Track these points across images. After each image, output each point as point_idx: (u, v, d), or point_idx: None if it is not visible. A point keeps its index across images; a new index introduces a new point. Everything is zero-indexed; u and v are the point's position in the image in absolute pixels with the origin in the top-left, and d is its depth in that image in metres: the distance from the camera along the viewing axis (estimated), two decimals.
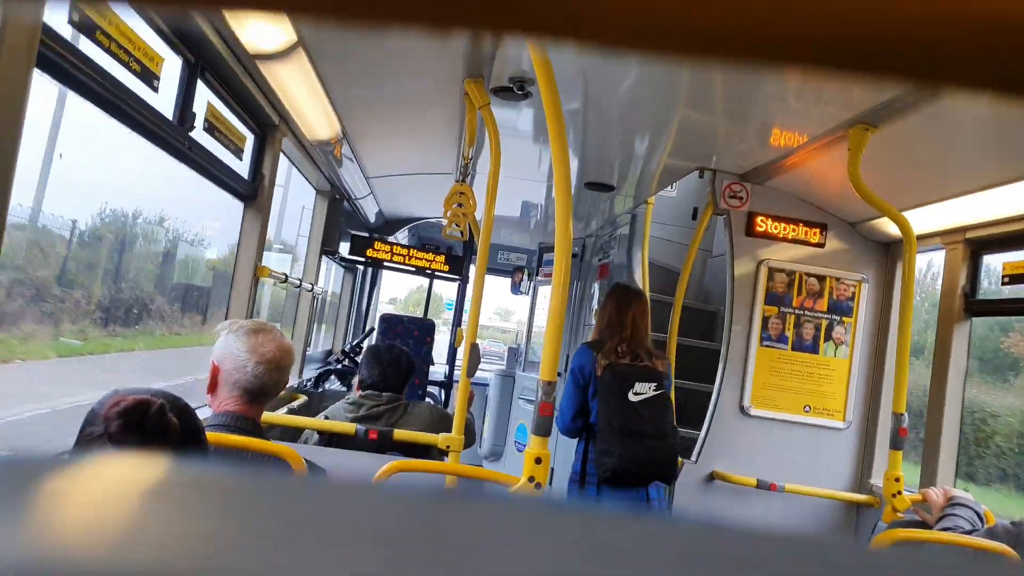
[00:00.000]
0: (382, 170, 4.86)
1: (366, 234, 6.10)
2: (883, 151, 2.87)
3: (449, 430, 3.00)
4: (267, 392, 1.98)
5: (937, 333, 3.39)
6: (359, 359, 5.87)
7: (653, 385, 3.36)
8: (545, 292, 7.75)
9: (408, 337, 5.77)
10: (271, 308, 6.67)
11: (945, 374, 3.29)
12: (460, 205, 3.92)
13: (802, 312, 3.85)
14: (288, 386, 4.41)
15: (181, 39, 2.34)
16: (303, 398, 4.49)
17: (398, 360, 3.28)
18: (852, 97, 2.64)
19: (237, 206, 3.34)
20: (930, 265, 4.19)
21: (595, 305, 6.19)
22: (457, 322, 6.94)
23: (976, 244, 3.29)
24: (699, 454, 3.80)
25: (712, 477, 3.76)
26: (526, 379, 7.22)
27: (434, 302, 8.76)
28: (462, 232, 4.54)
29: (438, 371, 6.95)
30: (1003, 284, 3.15)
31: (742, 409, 3.81)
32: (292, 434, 3.37)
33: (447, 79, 2.98)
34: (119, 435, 1.16)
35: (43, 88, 1.69)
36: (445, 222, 4.33)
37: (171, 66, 2.33)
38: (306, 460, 1.91)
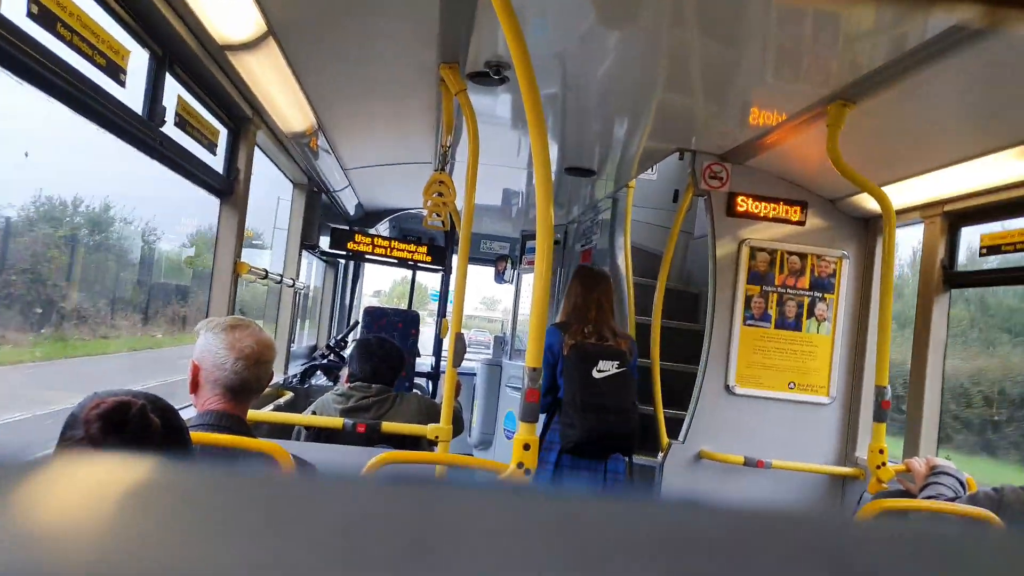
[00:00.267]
0: (360, 161, 4.82)
1: (346, 227, 6.05)
2: (861, 127, 2.88)
3: (437, 420, 2.99)
4: (249, 388, 1.95)
5: (917, 305, 3.42)
6: (344, 353, 5.85)
7: (616, 363, 3.58)
8: (529, 280, 7.75)
9: (393, 329, 5.74)
10: (249, 305, 6.57)
11: (926, 346, 3.32)
12: (440, 195, 3.90)
13: (784, 290, 3.87)
14: (274, 383, 4.39)
15: (147, 31, 2.28)
16: (289, 395, 4.46)
17: (389, 355, 3.28)
18: (831, 73, 2.64)
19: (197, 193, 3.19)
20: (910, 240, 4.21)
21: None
22: (442, 313, 6.92)
23: (954, 217, 3.31)
24: (686, 434, 3.81)
25: (699, 456, 3.78)
26: (512, 367, 7.23)
27: (419, 293, 8.74)
28: (443, 222, 4.51)
29: (425, 362, 6.93)
30: (981, 255, 3.17)
31: (727, 388, 3.83)
32: (280, 431, 3.34)
33: (422, 65, 2.94)
34: (100, 437, 1.14)
35: None
36: (425, 212, 4.31)
37: (138, 60, 2.27)
38: (294, 456, 1.89)
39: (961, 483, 2.65)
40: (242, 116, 3.20)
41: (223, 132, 3.12)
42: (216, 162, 3.11)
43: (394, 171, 5.04)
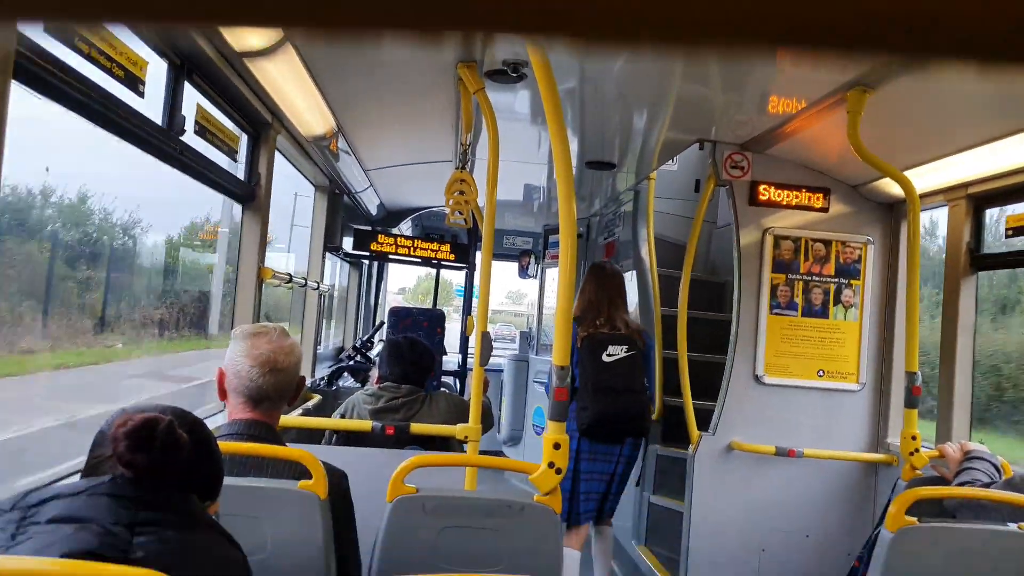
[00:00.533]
0: (380, 162, 4.84)
1: (368, 228, 6.08)
2: (882, 112, 2.85)
3: (467, 419, 2.99)
4: (267, 396, 1.93)
5: (944, 289, 3.37)
6: (371, 354, 5.88)
7: (625, 347, 3.87)
8: (553, 274, 7.74)
9: (418, 329, 5.77)
10: (273, 309, 6.59)
11: (954, 329, 3.28)
12: (462, 193, 3.91)
13: (810, 278, 3.83)
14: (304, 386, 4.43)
15: (164, 41, 2.31)
16: (317, 397, 4.49)
17: (420, 357, 3.28)
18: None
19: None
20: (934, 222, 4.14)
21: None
22: (467, 310, 6.94)
23: (979, 199, 3.26)
24: (716, 426, 3.79)
25: (730, 448, 3.76)
26: (540, 362, 7.23)
27: (444, 289, 8.76)
28: (465, 220, 4.53)
29: (451, 360, 6.96)
30: (1007, 237, 3.12)
31: (756, 378, 3.80)
32: (310, 435, 3.36)
33: (439, 65, 2.95)
34: (128, 455, 1.14)
35: None
36: (448, 210, 4.33)
37: (156, 70, 2.30)
38: (323, 463, 1.90)
39: (996, 467, 2.62)
40: (261, 121, 3.23)
41: (243, 138, 3.15)
42: (237, 168, 3.14)
43: (415, 170, 5.06)
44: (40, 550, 1.01)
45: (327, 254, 5.12)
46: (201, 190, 2.92)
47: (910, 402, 3.16)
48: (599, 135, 4.10)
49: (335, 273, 6.67)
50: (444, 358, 6.23)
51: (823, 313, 3.83)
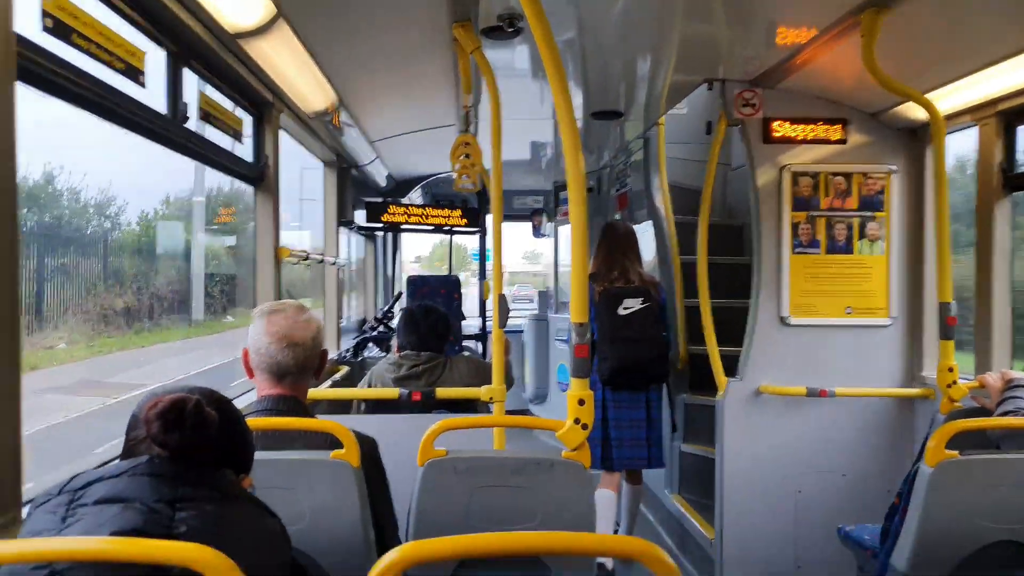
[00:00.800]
0: (384, 132, 4.78)
1: (379, 199, 6.05)
2: (899, 32, 2.73)
3: (490, 380, 3.01)
4: (289, 370, 1.98)
5: (977, 213, 3.27)
6: (392, 324, 5.89)
7: (640, 299, 4.07)
8: (566, 231, 7.68)
9: (436, 296, 5.77)
10: (294, 286, 6.61)
11: (990, 254, 3.19)
12: (467, 156, 3.85)
13: (832, 213, 3.74)
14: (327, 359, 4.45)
15: (160, 30, 2.28)
16: (345, 369, 4.52)
17: (435, 323, 3.32)
18: None
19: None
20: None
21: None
22: (483, 274, 6.91)
23: (1009, 116, 3.14)
24: (743, 371, 3.75)
25: (759, 392, 3.73)
26: (559, 320, 7.21)
27: (459, 254, 8.76)
28: (473, 183, 4.47)
29: (471, 324, 6.96)
30: None
31: (782, 320, 3.75)
32: (340, 406, 3.43)
33: (434, 27, 2.88)
34: (161, 436, 1.19)
35: None
36: (455, 175, 4.27)
37: (155, 59, 2.27)
38: (353, 432, 1.91)
39: None
40: (263, 102, 3.20)
41: (247, 120, 3.12)
42: (244, 151, 3.12)
43: (419, 138, 5.00)
44: (91, 530, 1.07)
45: (341, 228, 5.10)
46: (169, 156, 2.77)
47: (945, 333, 3.10)
48: (603, 84, 4.01)
49: (351, 247, 6.66)
50: (464, 323, 6.23)
51: (847, 249, 3.75)
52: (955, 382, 3.05)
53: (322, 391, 3.36)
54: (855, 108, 3.73)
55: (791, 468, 3.73)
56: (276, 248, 3.31)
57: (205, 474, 1.20)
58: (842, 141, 3.74)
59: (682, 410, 4.74)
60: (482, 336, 6.43)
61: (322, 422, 1.95)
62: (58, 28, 1.73)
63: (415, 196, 7.14)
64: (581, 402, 2.06)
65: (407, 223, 5.68)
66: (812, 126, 3.74)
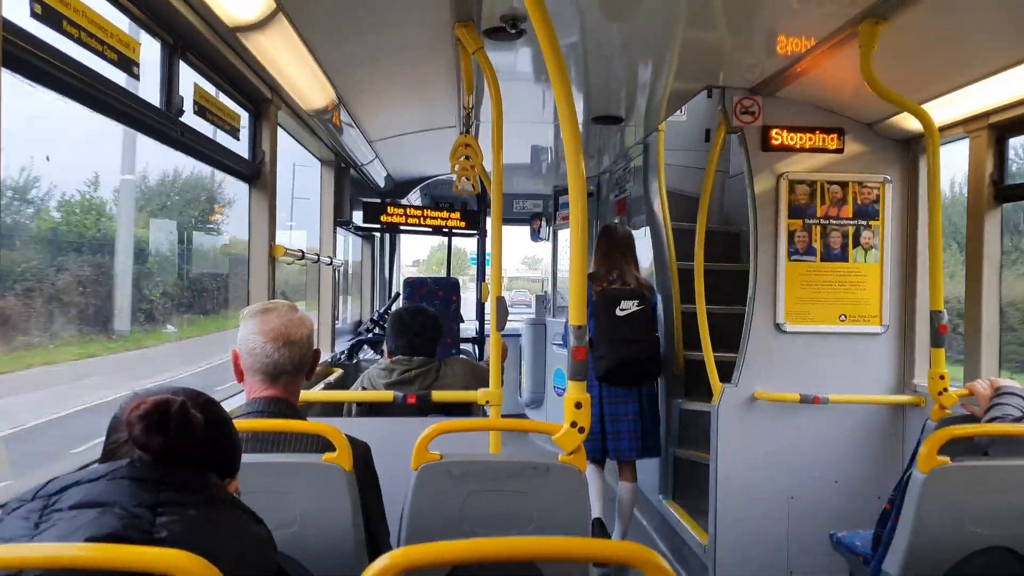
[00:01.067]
0: (384, 132, 4.78)
1: (378, 200, 6.05)
2: (895, 44, 2.75)
3: (485, 383, 2.98)
4: (284, 370, 1.94)
5: (968, 223, 3.29)
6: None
7: (636, 302, 4.28)
8: (565, 236, 7.69)
9: (434, 298, 5.76)
10: (289, 287, 6.47)
11: (979, 264, 3.21)
12: (467, 158, 3.85)
13: (827, 221, 3.76)
14: (322, 361, 4.43)
15: (155, 20, 2.26)
16: (339, 372, 4.50)
17: (424, 326, 3.22)
18: None
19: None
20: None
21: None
22: (481, 277, 6.91)
23: (1000, 128, 3.16)
24: (739, 377, 3.76)
25: (754, 398, 3.73)
26: (556, 324, 7.22)
27: (458, 258, 8.72)
28: (473, 185, 4.48)
29: (469, 327, 6.95)
30: None
31: (777, 327, 3.76)
32: (333, 409, 3.37)
33: (436, 27, 2.88)
34: (144, 438, 1.14)
35: None
36: (454, 177, 4.27)
37: (150, 51, 2.25)
38: (346, 435, 1.89)
39: None
40: (261, 98, 3.18)
41: (244, 116, 3.10)
42: (240, 147, 3.10)
43: (419, 138, 5.00)
44: (64, 536, 1.01)
45: (338, 229, 5.10)
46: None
47: (936, 341, 3.11)
48: (604, 89, 4.02)
49: (348, 248, 6.65)
50: (462, 326, 6.23)
51: (842, 257, 3.77)
52: (946, 389, 3.06)
53: (315, 393, 3.33)
54: (852, 118, 3.75)
55: (784, 474, 3.74)
56: (271, 247, 3.29)
57: (189, 478, 1.16)
58: (839, 150, 3.76)
59: (677, 415, 4.74)
60: (479, 340, 6.43)
61: (314, 424, 1.92)
62: (47, 14, 1.68)
63: (414, 197, 7.14)
64: (578, 405, 2.05)
65: (406, 224, 5.67)
66: (810, 135, 3.76)
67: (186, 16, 2.29)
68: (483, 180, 4.06)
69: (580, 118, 4.56)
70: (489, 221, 5.56)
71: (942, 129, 3.22)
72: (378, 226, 5.63)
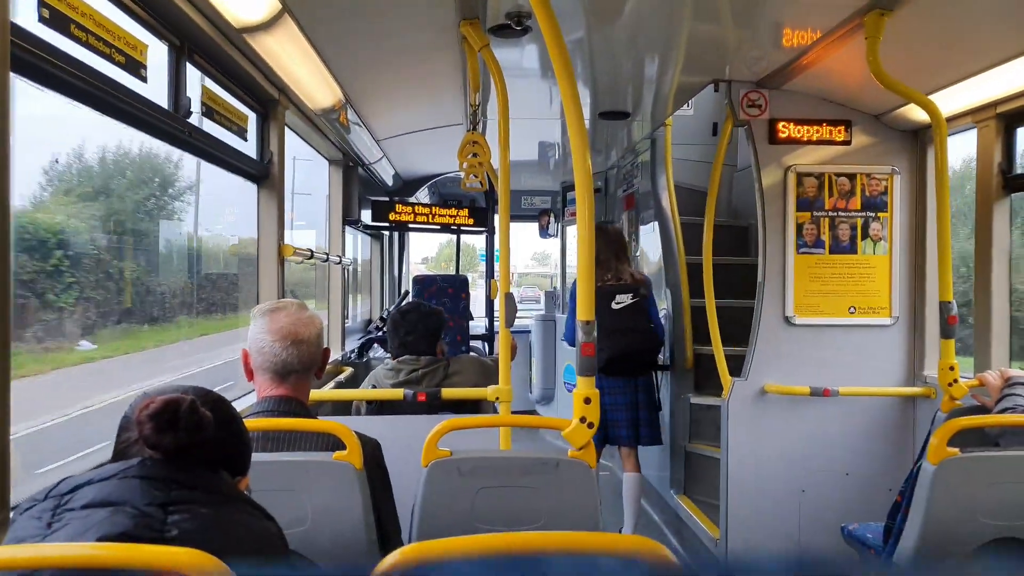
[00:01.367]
0: (391, 130, 4.80)
1: (386, 198, 6.06)
2: (901, 34, 2.74)
3: (494, 379, 2.98)
4: (292, 369, 1.94)
5: (976, 214, 3.28)
6: None
7: (630, 295, 4.49)
8: (574, 232, 7.68)
9: (443, 296, 5.78)
10: (298, 286, 6.34)
11: (989, 255, 3.20)
12: (475, 155, 3.86)
13: (836, 214, 3.75)
14: (332, 360, 4.45)
15: (162, 23, 2.27)
16: (349, 370, 4.52)
17: (414, 326, 3.17)
18: None
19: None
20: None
21: (625, 237, 6.13)
22: (490, 273, 6.92)
23: (1009, 118, 3.15)
24: (748, 370, 3.76)
25: (764, 392, 3.73)
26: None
27: (467, 254, 8.73)
28: (481, 182, 4.48)
29: (479, 324, 6.97)
30: None
31: (786, 320, 3.76)
32: (344, 407, 3.38)
33: (442, 25, 2.89)
34: (154, 437, 1.15)
35: None
36: (462, 174, 4.28)
37: (158, 53, 2.26)
38: (356, 433, 1.90)
39: None
40: (268, 98, 3.20)
41: (251, 117, 3.12)
42: (248, 148, 3.11)
43: (427, 136, 5.01)
44: (76, 536, 1.02)
45: (347, 227, 5.11)
46: None
47: (946, 332, 3.10)
48: (611, 84, 4.02)
49: (357, 246, 6.68)
50: (471, 323, 6.24)
51: (851, 249, 3.76)
52: (956, 380, 3.05)
53: (326, 392, 3.34)
54: (859, 110, 3.74)
55: (795, 467, 3.74)
56: (280, 246, 3.30)
57: (200, 476, 1.16)
58: (846, 142, 3.75)
59: (687, 410, 4.74)
60: (489, 336, 6.44)
61: (324, 423, 1.93)
62: (55, 19, 1.69)
63: (422, 195, 7.15)
64: (587, 400, 2.05)
65: (414, 222, 5.68)
66: (817, 127, 3.75)
67: (192, 18, 2.30)
68: (491, 177, 4.07)
69: (587, 114, 4.56)
70: (497, 218, 5.59)
71: (950, 119, 3.21)
72: (387, 224, 5.64)
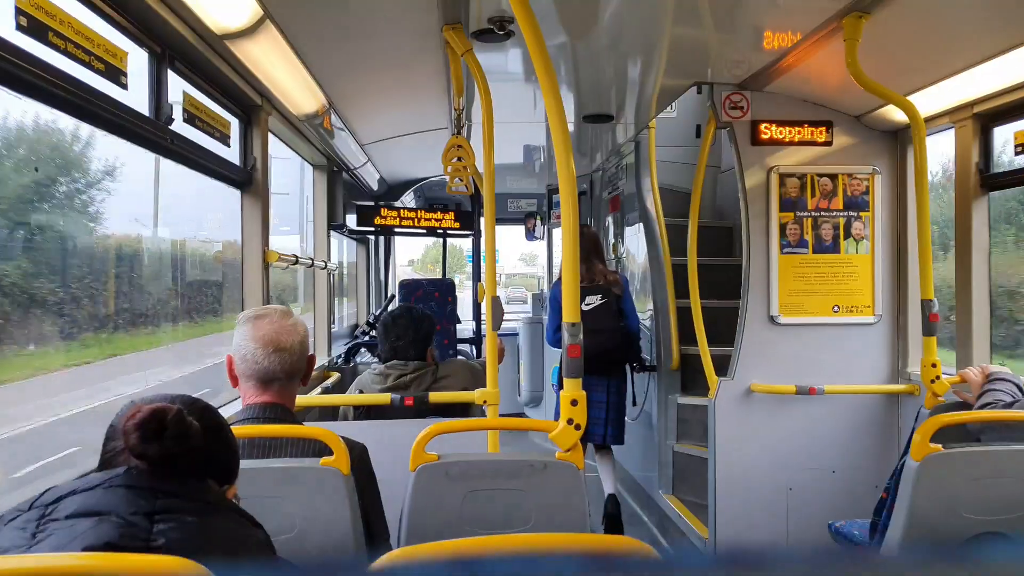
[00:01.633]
0: (376, 135, 4.80)
1: (371, 203, 6.05)
2: (880, 36, 2.77)
3: (483, 384, 2.99)
4: (275, 376, 1.93)
5: (956, 212, 3.32)
6: None
7: (599, 296, 4.58)
8: (560, 234, 7.69)
9: (430, 299, 5.77)
10: (284, 290, 6.23)
11: (968, 253, 3.23)
12: (460, 159, 3.87)
13: (818, 214, 3.78)
14: (319, 365, 4.43)
15: (142, 30, 2.26)
16: (336, 375, 4.51)
17: (404, 331, 3.15)
18: None
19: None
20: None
21: (611, 239, 6.15)
22: (477, 276, 6.92)
23: (985, 118, 3.19)
24: (735, 370, 3.78)
25: (750, 391, 3.76)
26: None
27: (455, 257, 8.72)
28: (466, 186, 4.49)
29: (466, 328, 6.97)
30: (1016, 154, 3.06)
31: (771, 319, 3.78)
32: (332, 412, 3.36)
33: (424, 30, 2.90)
34: (140, 447, 1.14)
35: None
36: (447, 178, 4.28)
37: (139, 60, 2.25)
38: (343, 438, 1.90)
39: (1019, 387, 2.59)
40: (251, 104, 3.19)
41: (234, 123, 3.11)
42: (231, 154, 3.10)
43: (412, 141, 5.01)
44: (61, 546, 1.01)
45: (332, 232, 5.10)
46: None
47: (928, 330, 3.13)
48: (595, 87, 4.04)
49: (343, 251, 6.66)
50: (458, 326, 6.24)
51: (834, 248, 3.79)
52: (938, 377, 3.08)
53: (312, 398, 3.32)
54: (839, 111, 3.77)
55: (782, 465, 3.76)
56: (264, 252, 3.29)
57: (186, 485, 1.15)
58: (828, 143, 3.78)
59: (675, 410, 4.76)
60: (476, 340, 6.44)
61: (310, 429, 1.92)
62: (33, 27, 1.68)
63: (408, 200, 7.14)
64: (574, 402, 2.06)
65: (400, 226, 5.67)
66: (799, 128, 3.78)
67: (173, 25, 2.30)
68: (476, 180, 4.07)
69: (571, 117, 4.58)
70: (483, 221, 5.59)
71: (928, 120, 3.24)
72: (372, 229, 5.63)
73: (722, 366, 3.90)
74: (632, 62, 3.60)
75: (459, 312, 6.26)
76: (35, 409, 3.24)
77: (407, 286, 6.06)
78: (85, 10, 1.94)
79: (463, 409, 3.13)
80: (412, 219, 5.70)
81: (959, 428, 2.40)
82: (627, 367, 4.85)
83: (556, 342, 4.68)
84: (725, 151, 5.57)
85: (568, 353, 2.10)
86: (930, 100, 3.20)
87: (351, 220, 5.53)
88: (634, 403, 4.92)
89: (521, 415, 7.77)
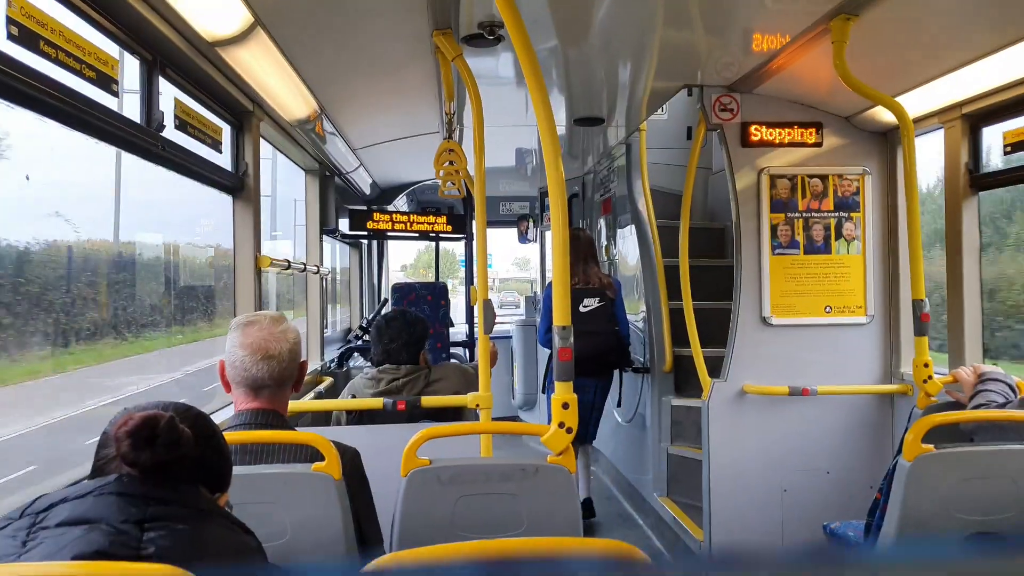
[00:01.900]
0: (368, 140, 4.80)
1: (364, 207, 6.06)
2: (867, 38, 2.79)
3: (475, 387, 2.98)
4: (265, 383, 1.93)
5: (946, 213, 3.34)
6: None
7: (596, 299, 4.72)
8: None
9: (423, 303, 5.77)
10: (278, 297, 6.19)
11: (959, 252, 3.25)
12: (452, 163, 3.87)
13: (809, 214, 3.80)
14: (311, 370, 4.42)
15: (133, 38, 2.26)
16: (328, 380, 4.50)
17: (398, 334, 3.14)
18: None
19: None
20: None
21: (603, 241, 6.16)
22: (470, 280, 6.93)
23: (974, 118, 3.21)
24: (727, 372, 3.79)
25: (743, 392, 3.76)
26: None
27: (448, 261, 8.73)
28: (458, 190, 4.49)
29: (459, 331, 6.96)
30: (1005, 154, 3.08)
31: (763, 320, 3.79)
32: (324, 418, 3.35)
33: (415, 35, 2.90)
34: (132, 454, 1.14)
35: None
36: (439, 182, 4.28)
37: (129, 68, 2.25)
38: (335, 443, 1.89)
39: (1011, 387, 2.60)
40: (243, 110, 3.19)
41: (226, 129, 3.11)
42: (223, 160, 3.10)
43: (403, 145, 5.02)
44: (51, 554, 1.01)
45: (324, 237, 5.10)
46: None
47: (920, 330, 3.15)
48: (585, 91, 4.05)
49: (335, 255, 6.66)
50: (451, 330, 6.24)
51: (826, 249, 3.80)
52: (931, 377, 3.09)
53: (305, 403, 3.31)
54: (829, 112, 3.79)
55: (776, 467, 3.77)
56: (256, 258, 3.29)
57: (177, 492, 1.15)
58: (817, 144, 3.80)
59: (668, 412, 4.77)
60: (469, 343, 6.44)
61: (301, 434, 1.92)
62: (24, 36, 1.68)
63: (400, 203, 7.14)
64: (565, 406, 2.06)
65: (392, 230, 5.68)
66: (788, 130, 3.79)
67: (164, 33, 2.29)
68: (468, 184, 4.08)
69: (562, 120, 4.59)
70: (475, 225, 5.60)
71: (917, 120, 3.26)
72: (364, 233, 5.64)
73: (715, 368, 3.91)
74: (622, 65, 3.61)
75: (452, 316, 6.26)
76: None
77: (400, 290, 6.07)
78: (76, 18, 1.93)
79: (456, 413, 3.12)
80: (405, 223, 5.71)
81: (952, 428, 2.41)
82: (615, 370, 4.97)
83: (548, 342, 4.80)
84: (716, 153, 5.60)
85: (559, 356, 2.11)
86: (919, 101, 3.22)
87: (344, 224, 5.53)
88: (619, 404, 5.03)
89: (515, 418, 7.77)
